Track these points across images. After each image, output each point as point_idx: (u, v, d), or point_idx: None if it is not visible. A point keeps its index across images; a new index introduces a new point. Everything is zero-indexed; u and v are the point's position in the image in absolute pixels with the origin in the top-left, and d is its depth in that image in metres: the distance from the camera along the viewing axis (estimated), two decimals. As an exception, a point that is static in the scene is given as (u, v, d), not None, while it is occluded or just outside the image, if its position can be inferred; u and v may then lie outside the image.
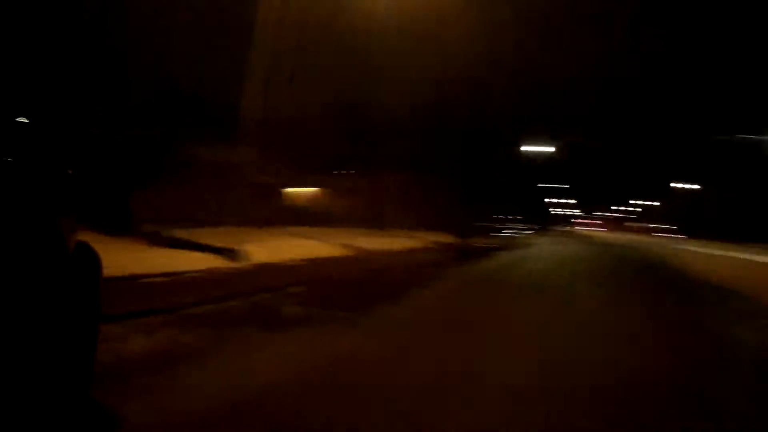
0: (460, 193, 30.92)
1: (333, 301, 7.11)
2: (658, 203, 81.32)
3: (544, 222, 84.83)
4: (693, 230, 58.40)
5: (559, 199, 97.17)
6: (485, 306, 7.87)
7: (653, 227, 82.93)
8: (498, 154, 38.81)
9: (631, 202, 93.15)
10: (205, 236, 10.39)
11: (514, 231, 42.05)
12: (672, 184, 63.87)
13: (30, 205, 2.25)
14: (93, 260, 2.68)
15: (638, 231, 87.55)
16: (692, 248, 33.79)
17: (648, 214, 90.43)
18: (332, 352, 4.39)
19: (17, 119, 2.77)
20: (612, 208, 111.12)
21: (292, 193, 23.76)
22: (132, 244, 8.98)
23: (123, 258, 7.39)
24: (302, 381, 3.51)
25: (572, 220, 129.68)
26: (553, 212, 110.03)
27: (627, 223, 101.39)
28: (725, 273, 15.69)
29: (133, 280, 7.08)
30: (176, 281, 7.65)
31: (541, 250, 25.97)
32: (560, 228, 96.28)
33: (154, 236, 9.56)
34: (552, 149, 47.51)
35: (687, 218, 64.21)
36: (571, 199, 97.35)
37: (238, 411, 2.94)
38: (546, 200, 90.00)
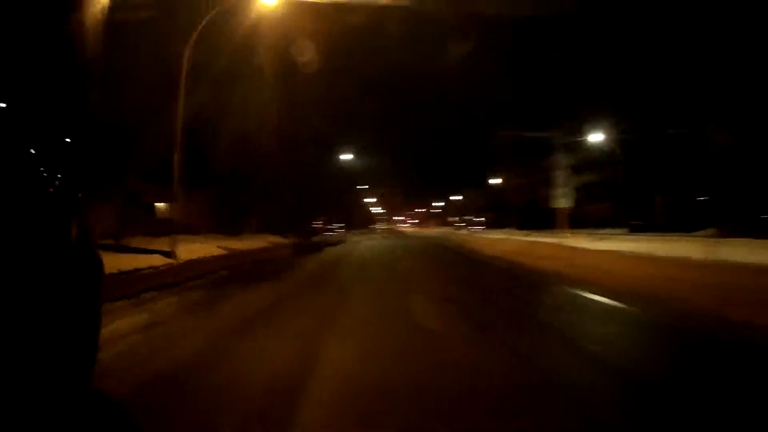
0: (296, 201, 36.24)
1: (250, 277, 12.48)
2: (462, 197, 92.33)
3: (366, 222, 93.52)
4: (501, 221, 62.18)
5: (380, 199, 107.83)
6: (337, 273, 13.81)
7: (461, 220, 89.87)
8: (322, 165, 44.88)
9: (451, 198, 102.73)
10: (137, 244, 14.92)
11: (341, 230, 48.17)
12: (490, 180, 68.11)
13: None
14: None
15: (450, 225, 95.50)
16: (480, 235, 42.86)
17: (465, 208, 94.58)
18: (274, 294, 9.84)
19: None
20: (433, 204, 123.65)
21: (162, 207, 26.85)
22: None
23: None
24: (270, 302, 8.81)
25: (392, 219, 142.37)
26: (373, 211, 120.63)
27: (449, 218, 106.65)
28: (485, 247, 23.36)
29: (121, 274, 11.61)
30: (151, 272, 12.29)
31: (364, 244, 32.67)
32: (380, 226, 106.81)
33: (113, 245, 13.85)
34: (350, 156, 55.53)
35: (496, 210, 68.23)
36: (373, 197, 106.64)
37: (243, 315, 8.52)
38: (366, 201, 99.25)
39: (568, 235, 21.63)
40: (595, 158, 39.55)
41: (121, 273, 11.27)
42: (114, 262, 11.91)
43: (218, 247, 19.52)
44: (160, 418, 3.16)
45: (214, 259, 16.39)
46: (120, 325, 5.85)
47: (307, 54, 26.73)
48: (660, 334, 6.06)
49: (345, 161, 55.11)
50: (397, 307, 7.61)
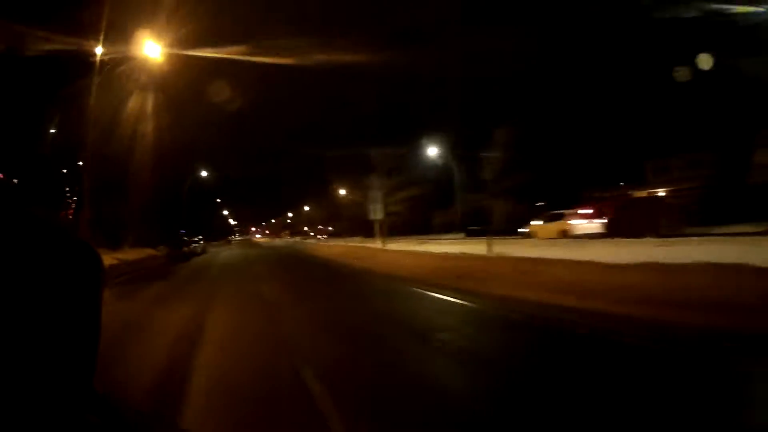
0: (164, 216, 40.53)
1: (145, 279, 17.74)
2: (309, 209, 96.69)
3: (223, 233, 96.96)
4: (344, 231, 66.12)
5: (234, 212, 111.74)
6: (209, 273, 19.56)
7: (310, 230, 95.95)
8: (184, 184, 49.28)
9: (304, 209, 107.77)
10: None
11: (203, 242, 52.30)
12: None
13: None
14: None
15: (300, 235, 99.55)
16: (321, 243, 49.81)
17: (313, 219, 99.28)
18: (168, 287, 15.36)
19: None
20: (288, 214, 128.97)
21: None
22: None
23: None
24: (166, 291, 14.65)
25: (248, 230, 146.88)
26: (232, 224, 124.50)
27: (299, 228, 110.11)
28: (320, 252, 30.10)
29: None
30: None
31: (225, 253, 38.04)
32: (236, 238, 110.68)
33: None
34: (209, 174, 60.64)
35: (338, 221, 73.02)
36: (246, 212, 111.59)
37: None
38: (225, 214, 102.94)
39: (380, 242, 28.15)
40: (433, 170, 45.10)
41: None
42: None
43: (110, 257, 24.07)
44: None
45: (109, 267, 21.30)
46: None
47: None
48: (393, 290, 12.03)
49: (203, 178, 59.42)
50: (251, 290, 13.13)
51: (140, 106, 29.22)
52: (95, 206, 31.10)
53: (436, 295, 10.04)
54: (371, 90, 57.73)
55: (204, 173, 58.79)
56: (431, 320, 7.72)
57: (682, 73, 18.69)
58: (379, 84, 55.88)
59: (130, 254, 27.59)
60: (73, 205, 27.78)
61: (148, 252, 31.50)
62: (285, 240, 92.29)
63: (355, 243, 34.76)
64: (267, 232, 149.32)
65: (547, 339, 6.30)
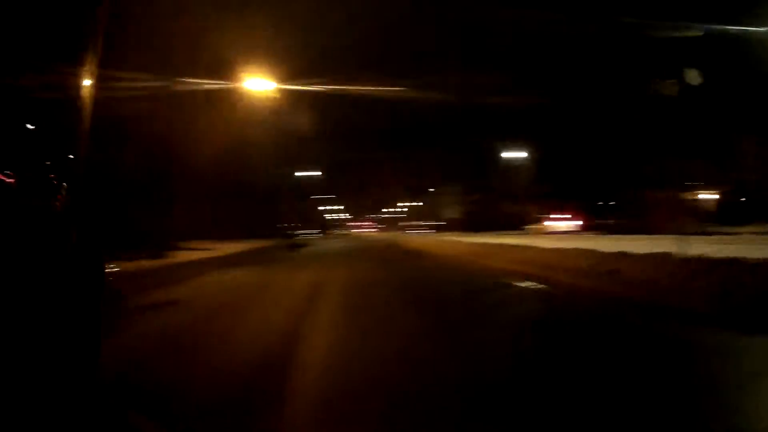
0: (269, 213, 47.27)
1: (279, 259, 23.24)
2: (421, 204, 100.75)
3: (324, 227, 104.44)
4: (448, 225, 68.40)
5: (332, 206, 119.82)
6: (319, 259, 24.70)
7: (410, 224, 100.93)
8: (282, 183, 56.19)
9: (398, 204, 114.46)
10: (194, 245, 25.69)
11: (307, 235, 58.84)
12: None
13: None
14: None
15: (403, 229, 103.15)
16: (419, 237, 54.63)
17: (414, 213, 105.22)
18: (295, 262, 20.97)
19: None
20: (383, 210, 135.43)
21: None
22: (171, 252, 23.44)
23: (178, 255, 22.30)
24: (295, 264, 20.12)
25: (348, 224, 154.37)
26: (329, 218, 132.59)
27: (400, 223, 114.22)
28: (412, 243, 34.95)
29: (202, 259, 22.24)
30: (212, 257, 23.01)
31: (327, 245, 43.83)
32: (338, 231, 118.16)
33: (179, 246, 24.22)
34: (319, 172, 67.35)
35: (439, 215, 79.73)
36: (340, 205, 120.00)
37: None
38: (332, 209, 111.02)
39: (456, 235, 33.63)
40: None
41: (200, 259, 22.06)
42: (191, 255, 22.72)
43: (244, 244, 30.40)
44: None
45: (248, 252, 27.35)
46: (225, 276, 16.31)
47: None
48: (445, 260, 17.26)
49: (305, 176, 66.30)
50: (348, 265, 18.46)
51: (260, 129, 35.49)
52: (223, 208, 38.11)
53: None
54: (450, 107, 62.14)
55: (306, 173, 65.74)
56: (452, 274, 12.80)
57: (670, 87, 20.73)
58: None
59: (256, 244, 33.91)
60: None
61: (263, 243, 37.91)
62: (388, 234, 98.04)
63: (445, 237, 39.77)
64: (372, 226, 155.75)
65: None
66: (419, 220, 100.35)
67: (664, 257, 9.97)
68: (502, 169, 47.03)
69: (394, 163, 77.99)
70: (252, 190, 43.55)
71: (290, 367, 4.59)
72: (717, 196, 33.04)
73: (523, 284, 10.81)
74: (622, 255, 10.94)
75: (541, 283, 10.68)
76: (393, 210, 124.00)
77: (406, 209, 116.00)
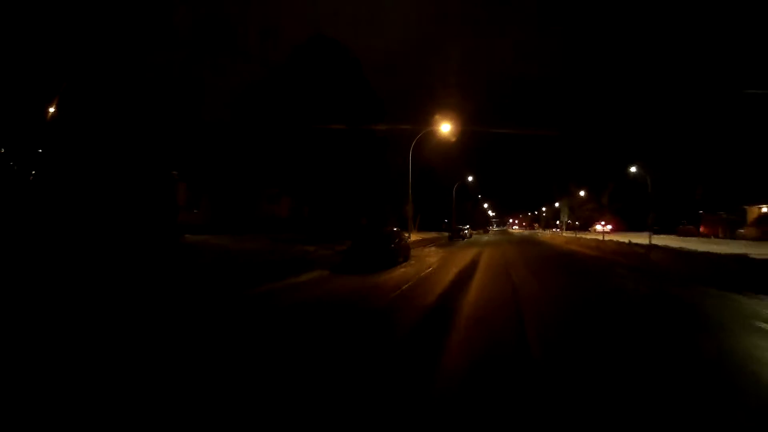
0: (447, 214, 62.39)
1: (450, 244, 37.83)
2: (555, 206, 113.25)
3: (483, 224, 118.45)
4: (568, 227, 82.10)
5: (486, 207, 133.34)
6: (477, 244, 38.84)
7: (549, 224, 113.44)
8: (454, 188, 70.66)
9: (543, 208, 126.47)
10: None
11: (475, 231, 72.89)
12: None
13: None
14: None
15: (541, 227, 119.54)
16: (551, 233, 66.77)
17: (550, 215, 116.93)
18: (462, 246, 35.31)
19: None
20: (528, 213, 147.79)
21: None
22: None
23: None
24: (461, 247, 34.50)
25: (507, 221, 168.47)
26: (491, 215, 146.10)
27: (534, 223, 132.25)
28: (543, 237, 48.00)
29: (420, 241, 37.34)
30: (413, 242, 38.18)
31: (484, 238, 57.78)
32: (495, 228, 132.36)
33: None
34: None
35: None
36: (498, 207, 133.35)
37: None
38: (485, 207, 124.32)
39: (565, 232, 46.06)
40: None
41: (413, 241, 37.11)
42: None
43: (433, 234, 45.27)
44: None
45: (433, 239, 42.14)
46: (428, 249, 31.23)
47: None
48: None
49: (470, 182, 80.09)
50: (500, 247, 32.60)
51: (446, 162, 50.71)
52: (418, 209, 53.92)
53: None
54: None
55: (470, 178, 79.65)
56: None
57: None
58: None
59: (431, 234, 48.84)
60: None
61: (438, 234, 52.74)
62: (530, 231, 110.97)
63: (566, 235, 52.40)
64: (523, 223, 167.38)
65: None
66: (553, 220, 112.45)
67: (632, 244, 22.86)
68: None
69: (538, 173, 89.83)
70: (430, 194, 58.56)
71: (469, 277, 18.08)
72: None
73: (579, 250, 24.19)
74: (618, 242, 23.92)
75: (589, 250, 24.04)
76: (537, 212, 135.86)
77: (545, 211, 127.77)
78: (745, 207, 47.80)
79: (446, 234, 51.84)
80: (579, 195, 59.44)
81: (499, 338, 6.52)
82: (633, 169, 46.94)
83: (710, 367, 5.34)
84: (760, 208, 45.12)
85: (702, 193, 43.09)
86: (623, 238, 29.94)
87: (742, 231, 43.37)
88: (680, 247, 18.94)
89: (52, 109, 16.60)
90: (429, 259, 21.25)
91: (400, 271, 15.47)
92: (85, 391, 4.47)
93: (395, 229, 22.34)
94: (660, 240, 29.91)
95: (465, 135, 62.57)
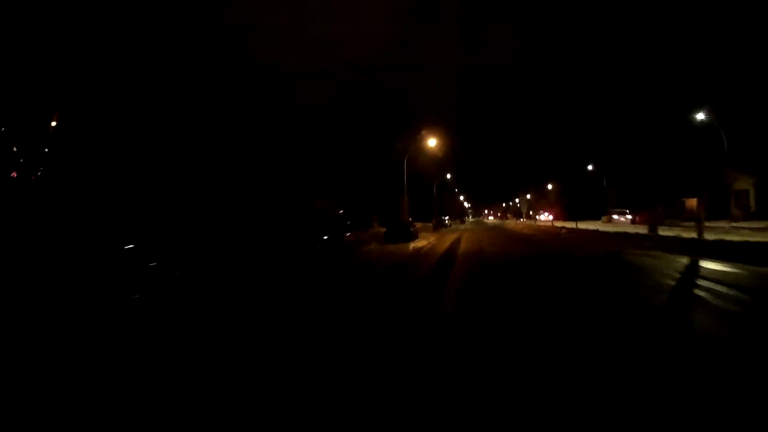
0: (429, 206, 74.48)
1: (434, 231, 50.14)
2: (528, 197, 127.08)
3: (460, 215, 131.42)
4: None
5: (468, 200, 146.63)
6: (464, 231, 51.08)
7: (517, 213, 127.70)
8: (435, 186, 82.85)
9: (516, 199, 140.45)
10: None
11: (453, 221, 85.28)
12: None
13: None
14: None
15: (509, 218, 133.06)
16: (514, 222, 79.59)
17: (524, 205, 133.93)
18: (442, 233, 47.44)
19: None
20: (503, 204, 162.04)
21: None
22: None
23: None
24: (443, 233, 46.72)
25: (482, 212, 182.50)
26: (466, 206, 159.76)
27: (508, 214, 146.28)
28: (510, 226, 60.55)
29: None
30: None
31: (466, 226, 70.07)
32: (471, 219, 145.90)
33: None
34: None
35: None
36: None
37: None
38: (461, 199, 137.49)
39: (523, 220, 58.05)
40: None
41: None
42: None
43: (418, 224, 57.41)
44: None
45: (418, 227, 54.24)
46: (421, 234, 43.42)
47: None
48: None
49: (448, 180, 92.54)
50: (474, 231, 44.59)
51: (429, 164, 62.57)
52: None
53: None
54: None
55: (449, 176, 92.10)
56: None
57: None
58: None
59: (419, 224, 60.96)
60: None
61: (423, 224, 64.87)
62: (501, 220, 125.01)
63: (525, 221, 64.67)
64: (498, 214, 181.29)
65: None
66: (527, 211, 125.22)
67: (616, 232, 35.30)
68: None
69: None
70: (416, 190, 70.46)
71: (458, 244, 30.52)
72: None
73: (525, 231, 36.70)
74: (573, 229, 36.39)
75: (530, 231, 36.58)
76: (510, 203, 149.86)
77: (518, 201, 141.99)
78: (684, 199, 59.70)
79: (430, 224, 63.78)
80: (534, 192, 72.23)
81: (475, 258, 18.22)
82: (590, 167, 59.17)
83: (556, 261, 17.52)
84: (692, 200, 57.56)
85: (614, 195, 55.35)
86: (559, 224, 42.40)
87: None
88: (583, 228, 31.44)
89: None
90: (429, 238, 33.18)
91: (417, 244, 27.36)
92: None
93: (410, 219, 34.34)
94: (586, 225, 42.51)
95: (444, 136, 74.42)
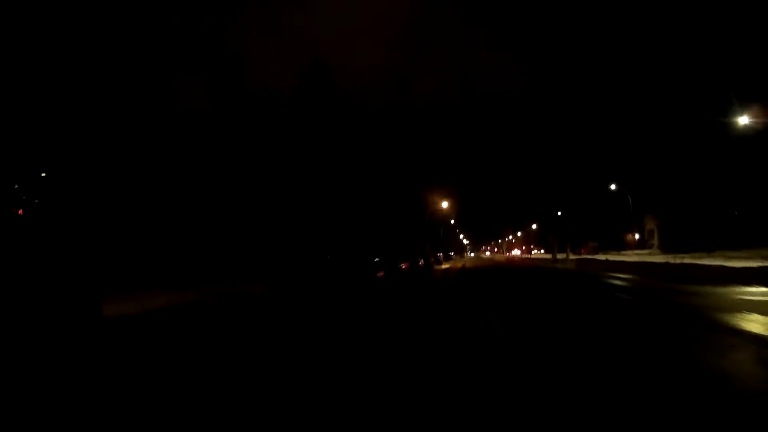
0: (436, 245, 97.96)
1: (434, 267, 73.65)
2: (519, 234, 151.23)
3: (459, 251, 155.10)
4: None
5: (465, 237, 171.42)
6: (465, 261, 74.23)
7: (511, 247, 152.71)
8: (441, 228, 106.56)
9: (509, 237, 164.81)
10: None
11: (452, 256, 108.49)
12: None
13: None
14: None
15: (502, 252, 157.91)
16: (502, 256, 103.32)
17: (517, 242, 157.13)
18: (450, 268, 71.05)
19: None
20: (499, 241, 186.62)
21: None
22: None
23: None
24: (448, 268, 70.16)
25: (481, 248, 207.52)
26: (465, 243, 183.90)
27: (500, 249, 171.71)
28: (498, 257, 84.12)
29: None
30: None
31: (465, 260, 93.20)
32: (470, 254, 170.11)
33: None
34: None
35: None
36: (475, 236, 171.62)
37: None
38: (461, 237, 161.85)
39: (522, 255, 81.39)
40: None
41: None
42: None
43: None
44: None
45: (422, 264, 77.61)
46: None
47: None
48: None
49: (452, 223, 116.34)
50: (473, 261, 67.45)
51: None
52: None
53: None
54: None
55: (452, 221, 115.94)
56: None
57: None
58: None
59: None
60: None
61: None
62: (495, 255, 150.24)
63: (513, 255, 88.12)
64: (495, 249, 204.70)
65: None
66: (518, 246, 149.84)
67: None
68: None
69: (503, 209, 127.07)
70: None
71: (464, 266, 53.73)
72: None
73: (502, 261, 60.42)
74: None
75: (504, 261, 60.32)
76: (505, 239, 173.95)
77: (511, 238, 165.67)
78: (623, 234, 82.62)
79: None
80: (512, 232, 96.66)
81: (473, 267, 41.79)
82: (559, 213, 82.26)
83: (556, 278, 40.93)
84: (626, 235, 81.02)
85: (555, 239, 78.18)
86: (523, 256, 65.41)
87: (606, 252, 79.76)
88: (534, 257, 55.09)
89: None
90: (446, 265, 56.55)
91: (443, 267, 50.82)
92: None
93: (439, 254, 57.82)
94: (538, 255, 65.56)
95: (452, 195, 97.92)
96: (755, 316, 9.58)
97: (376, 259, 29.33)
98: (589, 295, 17.16)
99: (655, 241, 67.80)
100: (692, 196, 52.05)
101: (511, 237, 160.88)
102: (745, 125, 27.19)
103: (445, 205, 71.19)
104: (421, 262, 40.40)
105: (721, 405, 4.54)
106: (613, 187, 62.68)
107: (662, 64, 55.56)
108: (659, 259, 33.50)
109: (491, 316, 11.11)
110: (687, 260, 26.20)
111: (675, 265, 24.93)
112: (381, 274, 26.79)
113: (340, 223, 36.44)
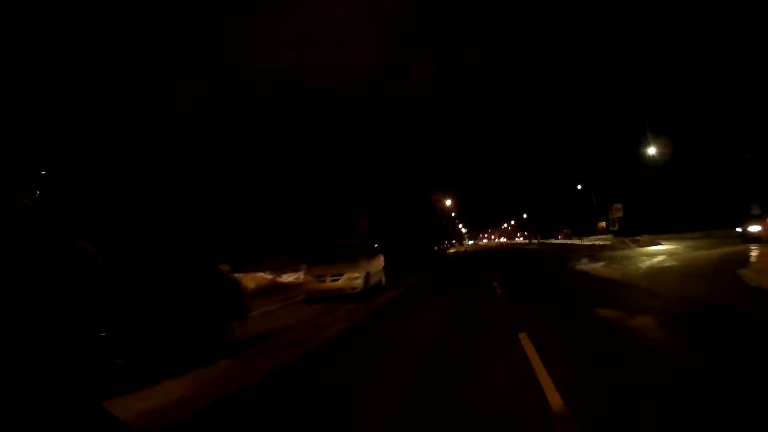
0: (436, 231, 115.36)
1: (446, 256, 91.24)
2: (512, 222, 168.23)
3: (459, 239, 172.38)
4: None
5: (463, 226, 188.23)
6: (471, 254, 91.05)
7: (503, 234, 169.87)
8: (443, 219, 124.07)
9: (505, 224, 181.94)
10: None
11: (454, 244, 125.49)
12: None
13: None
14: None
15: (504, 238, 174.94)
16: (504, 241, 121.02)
17: (513, 230, 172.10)
18: (462, 247, 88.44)
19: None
20: (495, 228, 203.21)
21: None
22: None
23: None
24: (450, 256, 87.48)
25: (479, 236, 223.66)
26: (464, 232, 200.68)
27: (500, 236, 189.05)
28: (494, 244, 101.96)
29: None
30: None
31: (461, 249, 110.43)
32: (469, 242, 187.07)
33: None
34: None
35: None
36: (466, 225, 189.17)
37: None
38: (460, 226, 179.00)
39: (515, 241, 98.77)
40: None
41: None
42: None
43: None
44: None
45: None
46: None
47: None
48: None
49: (453, 215, 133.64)
50: (478, 255, 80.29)
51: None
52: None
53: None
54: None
55: (453, 214, 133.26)
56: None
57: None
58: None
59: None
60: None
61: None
62: (495, 242, 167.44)
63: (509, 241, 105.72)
64: (492, 237, 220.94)
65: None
66: (511, 235, 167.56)
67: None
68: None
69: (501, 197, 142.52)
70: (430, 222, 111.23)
71: (465, 252, 70.29)
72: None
73: (496, 246, 77.92)
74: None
75: (497, 246, 78.15)
76: (503, 227, 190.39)
77: (506, 226, 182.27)
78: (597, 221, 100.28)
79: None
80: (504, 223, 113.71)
81: (477, 253, 58.84)
82: (543, 206, 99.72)
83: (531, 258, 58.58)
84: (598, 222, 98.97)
85: (533, 227, 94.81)
86: (510, 242, 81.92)
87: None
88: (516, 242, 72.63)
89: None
90: (452, 250, 74.05)
91: (450, 251, 68.42)
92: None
93: (446, 242, 75.43)
94: (518, 240, 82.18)
95: (453, 193, 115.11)
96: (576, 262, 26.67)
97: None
98: (526, 255, 35.59)
99: (616, 227, 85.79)
100: (647, 190, 65.80)
101: (505, 225, 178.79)
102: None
103: (448, 203, 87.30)
104: (440, 247, 58.09)
105: (540, 263, 25.38)
106: (579, 187, 79.68)
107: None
108: (587, 242, 52.15)
109: (486, 260, 29.32)
110: (585, 242, 45.06)
111: (579, 244, 43.48)
112: (430, 251, 45.15)
113: (391, 221, 53.48)
